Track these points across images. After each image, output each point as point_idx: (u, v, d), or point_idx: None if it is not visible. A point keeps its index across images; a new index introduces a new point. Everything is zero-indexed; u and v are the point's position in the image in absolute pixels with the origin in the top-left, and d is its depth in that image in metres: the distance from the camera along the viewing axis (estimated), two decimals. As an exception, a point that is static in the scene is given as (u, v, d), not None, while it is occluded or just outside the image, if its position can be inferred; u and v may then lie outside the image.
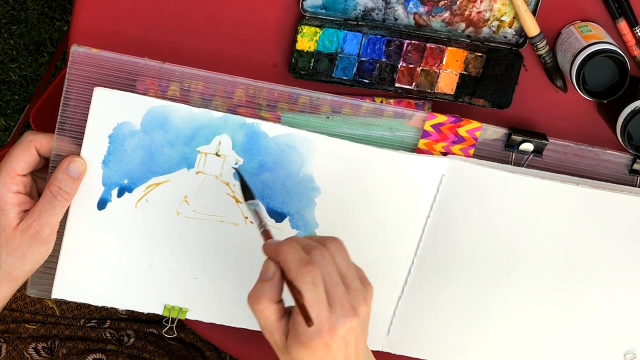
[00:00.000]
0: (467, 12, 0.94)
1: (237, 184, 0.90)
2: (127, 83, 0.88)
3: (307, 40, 0.93)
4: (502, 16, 0.94)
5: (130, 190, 0.90)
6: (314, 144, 0.90)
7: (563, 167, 0.96)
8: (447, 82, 0.96)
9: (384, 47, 0.94)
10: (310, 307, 0.74)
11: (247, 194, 0.88)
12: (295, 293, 0.75)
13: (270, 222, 0.92)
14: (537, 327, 1.01)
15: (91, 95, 0.86)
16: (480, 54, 0.96)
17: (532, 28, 0.93)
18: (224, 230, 0.93)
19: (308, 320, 0.74)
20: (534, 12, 0.94)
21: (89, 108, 0.87)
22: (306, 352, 0.75)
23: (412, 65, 0.95)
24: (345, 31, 0.93)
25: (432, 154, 0.93)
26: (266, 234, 0.82)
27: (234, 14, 0.93)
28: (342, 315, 0.75)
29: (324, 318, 0.74)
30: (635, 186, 0.98)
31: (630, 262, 0.99)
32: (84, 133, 0.87)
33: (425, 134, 0.93)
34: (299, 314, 0.74)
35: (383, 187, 0.92)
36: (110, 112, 0.87)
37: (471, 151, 0.94)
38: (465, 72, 0.96)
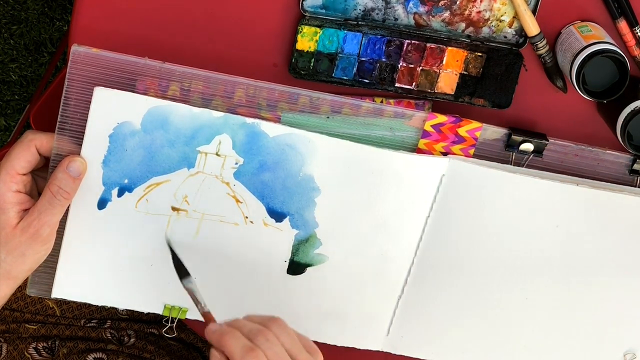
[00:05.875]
0: (467, 12, 0.94)
1: (238, 183, 0.91)
2: (127, 83, 0.88)
3: (307, 40, 0.93)
4: (502, 16, 0.94)
5: (130, 190, 0.90)
6: (314, 144, 0.90)
7: (563, 167, 0.96)
8: (447, 82, 0.96)
9: (384, 47, 0.94)
10: None
11: (181, 270, 0.87)
12: None
13: (270, 222, 0.92)
14: (537, 327, 1.01)
15: (91, 95, 0.86)
16: (480, 54, 0.96)
17: (532, 28, 0.93)
18: (224, 230, 0.93)
19: None
20: (533, 12, 0.94)
21: (89, 108, 0.87)
22: None
23: (412, 65, 0.95)
24: (345, 31, 0.94)
25: (432, 154, 0.93)
26: (207, 317, 0.83)
27: (234, 13, 0.93)
28: None
29: None
30: (635, 186, 0.98)
31: (630, 262, 0.99)
32: (84, 133, 0.87)
33: (425, 134, 0.93)
34: None
35: (383, 187, 0.92)
36: (111, 111, 0.87)
37: (471, 151, 0.94)
38: (465, 72, 0.96)
